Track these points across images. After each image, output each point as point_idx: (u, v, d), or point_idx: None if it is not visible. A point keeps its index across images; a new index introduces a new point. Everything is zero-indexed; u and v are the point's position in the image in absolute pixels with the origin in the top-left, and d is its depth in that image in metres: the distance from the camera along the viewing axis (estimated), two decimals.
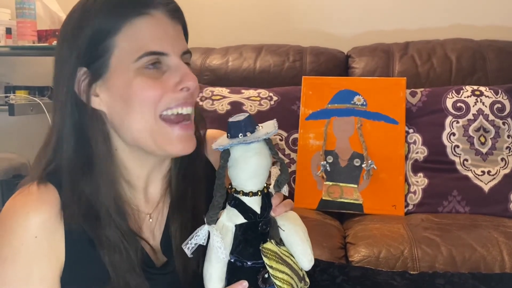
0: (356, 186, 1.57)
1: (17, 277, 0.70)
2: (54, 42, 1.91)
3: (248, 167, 0.67)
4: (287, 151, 1.68)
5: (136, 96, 0.70)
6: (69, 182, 0.72)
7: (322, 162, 1.59)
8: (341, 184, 1.58)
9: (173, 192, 0.80)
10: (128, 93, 0.70)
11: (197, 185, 0.80)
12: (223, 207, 0.69)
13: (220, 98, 1.75)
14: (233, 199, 0.69)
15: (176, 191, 0.80)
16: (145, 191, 0.80)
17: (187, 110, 0.73)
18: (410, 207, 1.55)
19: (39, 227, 0.70)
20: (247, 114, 0.68)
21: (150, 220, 0.80)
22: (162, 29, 0.71)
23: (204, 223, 0.68)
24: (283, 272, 0.66)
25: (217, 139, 0.72)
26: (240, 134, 0.67)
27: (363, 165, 1.57)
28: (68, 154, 0.72)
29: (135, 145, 0.74)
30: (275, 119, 0.71)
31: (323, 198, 1.58)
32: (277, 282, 0.66)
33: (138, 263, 0.73)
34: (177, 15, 0.74)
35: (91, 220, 0.72)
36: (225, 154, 0.68)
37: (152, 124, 0.71)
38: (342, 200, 1.57)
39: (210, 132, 0.87)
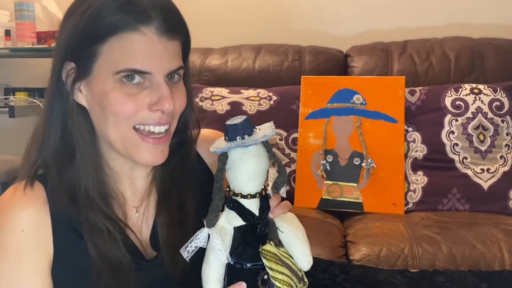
0: (356, 185, 1.57)
1: (6, 271, 0.72)
2: (54, 44, 1.91)
3: (246, 170, 0.67)
4: (287, 151, 1.69)
5: (110, 108, 0.71)
6: (54, 167, 0.74)
7: (322, 161, 1.60)
8: (341, 183, 1.58)
9: (159, 189, 0.82)
10: (104, 103, 0.71)
11: (184, 183, 0.81)
12: (222, 210, 0.70)
13: (219, 98, 1.75)
14: (232, 202, 0.69)
15: (161, 188, 0.81)
16: (132, 183, 0.81)
17: (160, 129, 0.73)
18: (410, 205, 1.56)
19: (25, 221, 0.73)
20: (244, 117, 0.68)
21: (137, 214, 0.81)
22: (149, 48, 0.69)
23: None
24: (282, 273, 0.66)
25: (211, 139, 0.72)
26: (238, 137, 0.67)
27: (362, 164, 1.58)
28: (55, 141, 0.74)
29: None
30: (272, 122, 0.71)
31: (323, 197, 1.58)
32: (277, 284, 0.66)
33: (123, 248, 0.74)
34: (172, 32, 0.72)
35: (75, 204, 0.73)
36: (223, 157, 0.68)
37: (124, 133, 0.72)
38: (342, 199, 1.57)
39: (204, 132, 0.88)
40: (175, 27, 0.72)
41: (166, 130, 0.74)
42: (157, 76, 0.71)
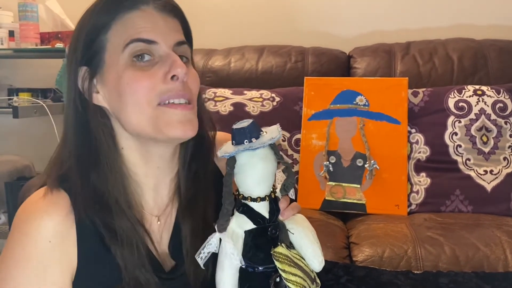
0: (359, 186, 1.58)
1: (29, 280, 0.70)
2: (57, 44, 1.92)
3: (255, 173, 0.67)
4: (290, 152, 1.69)
5: (127, 89, 0.71)
6: (78, 175, 0.73)
7: (324, 163, 1.60)
8: (344, 184, 1.59)
9: (182, 196, 0.80)
10: (120, 87, 0.71)
11: (207, 189, 0.80)
12: (232, 214, 0.70)
13: (222, 100, 1.75)
14: (241, 206, 0.69)
15: (185, 194, 0.80)
16: (154, 192, 0.80)
17: (180, 101, 0.73)
18: (413, 206, 1.56)
19: (52, 231, 0.71)
20: (251, 121, 0.68)
21: (158, 222, 0.80)
22: (151, 21, 0.73)
23: (214, 230, 0.69)
24: (296, 275, 0.67)
25: (223, 142, 0.72)
26: (246, 140, 0.67)
27: (365, 165, 1.58)
28: (77, 149, 0.74)
29: (138, 136, 0.75)
30: (278, 124, 0.71)
31: (326, 198, 1.58)
32: (291, 285, 0.66)
33: (147, 259, 0.73)
34: (170, 9, 0.75)
35: (102, 211, 0.72)
36: (231, 161, 0.68)
37: (149, 112, 0.71)
38: (345, 200, 1.57)
39: (219, 135, 0.87)
40: (171, 8, 0.76)
41: (186, 102, 0.73)
42: (163, 46, 0.72)
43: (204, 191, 0.80)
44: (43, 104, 1.79)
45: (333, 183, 1.59)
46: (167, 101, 0.72)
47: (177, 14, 0.77)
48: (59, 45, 1.91)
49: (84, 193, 0.72)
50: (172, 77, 0.71)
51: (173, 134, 0.72)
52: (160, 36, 0.72)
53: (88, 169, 0.73)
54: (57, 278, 0.71)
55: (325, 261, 1.16)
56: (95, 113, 0.74)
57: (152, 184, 0.79)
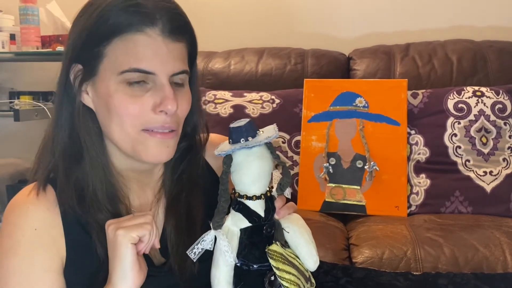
0: (358, 187, 1.58)
1: (20, 267, 0.72)
2: (58, 48, 1.92)
3: (251, 171, 0.68)
4: (290, 154, 1.69)
5: (114, 110, 0.72)
6: (62, 167, 0.75)
7: (324, 164, 1.60)
8: (344, 185, 1.59)
9: (167, 195, 0.82)
10: (109, 105, 0.72)
11: (192, 189, 0.81)
12: (228, 212, 0.70)
13: (222, 102, 1.76)
14: (237, 204, 0.70)
15: (169, 194, 0.82)
16: (142, 189, 0.81)
17: (164, 131, 0.73)
18: (413, 208, 1.56)
19: (38, 220, 0.74)
20: (248, 120, 0.69)
21: None
22: (154, 49, 0.70)
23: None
24: (289, 273, 0.67)
25: (219, 144, 0.73)
26: (242, 139, 0.68)
27: (365, 167, 1.58)
28: (63, 141, 0.75)
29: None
30: (275, 124, 0.72)
31: (326, 199, 1.59)
32: (284, 283, 0.67)
33: None
34: (177, 34, 0.72)
35: (83, 205, 0.74)
36: (228, 159, 0.69)
37: (132, 135, 0.73)
38: (345, 201, 1.58)
39: (212, 137, 0.88)
40: (180, 29, 0.73)
41: (170, 131, 0.74)
42: (160, 77, 0.71)
43: (189, 191, 0.81)
44: (44, 107, 1.80)
45: (333, 185, 1.59)
46: (151, 130, 0.73)
47: (185, 34, 0.75)
48: (60, 48, 1.92)
49: (66, 184, 0.74)
50: (161, 110, 0.72)
51: (148, 159, 0.75)
52: (159, 67, 0.71)
53: (73, 162, 0.75)
54: (47, 264, 0.73)
55: (325, 262, 1.16)
56: (81, 110, 0.75)
57: (137, 181, 0.81)
